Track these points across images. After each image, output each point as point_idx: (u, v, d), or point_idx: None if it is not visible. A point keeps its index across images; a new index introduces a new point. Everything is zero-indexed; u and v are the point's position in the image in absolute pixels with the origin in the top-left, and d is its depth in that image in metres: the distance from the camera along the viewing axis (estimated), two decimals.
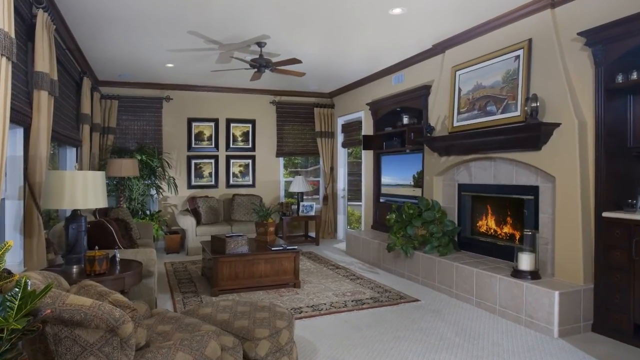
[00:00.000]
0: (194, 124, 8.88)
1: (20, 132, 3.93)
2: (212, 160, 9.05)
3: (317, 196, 10.12)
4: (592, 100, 4.10)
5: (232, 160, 9.19)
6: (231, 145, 9.17)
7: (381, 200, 7.84)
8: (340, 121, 9.57)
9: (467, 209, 5.74)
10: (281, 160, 9.65)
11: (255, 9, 4.74)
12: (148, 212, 8.05)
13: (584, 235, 4.11)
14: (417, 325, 4.20)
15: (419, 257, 5.70)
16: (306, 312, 4.56)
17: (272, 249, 5.42)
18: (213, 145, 9.03)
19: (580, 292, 4.00)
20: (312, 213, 8.80)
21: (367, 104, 8.06)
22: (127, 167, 7.06)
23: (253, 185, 9.35)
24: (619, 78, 3.86)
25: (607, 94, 3.91)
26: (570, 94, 4.22)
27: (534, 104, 4.31)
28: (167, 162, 8.48)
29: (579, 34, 4.05)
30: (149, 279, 4.31)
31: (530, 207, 4.76)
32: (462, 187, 5.77)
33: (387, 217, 6.06)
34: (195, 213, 8.07)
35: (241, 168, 9.27)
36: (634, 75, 3.78)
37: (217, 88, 8.94)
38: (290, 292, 5.30)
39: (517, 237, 4.99)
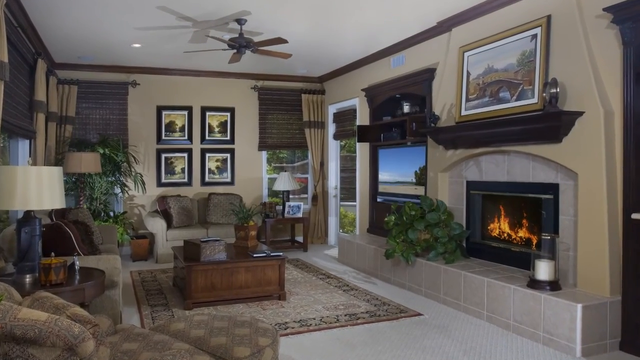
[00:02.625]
0: (164, 112, 8.82)
1: None
2: (185, 154, 9.00)
3: (305, 195, 10.12)
4: (619, 85, 4.11)
5: (207, 154, 9.15)
6: (207, 137, 9.13)
7: (378, 199, 7.85)
8: (332, 109, 9.57)
9: (477, 209, 5.75)
10: (264, 154, 9.63)
11: None
12: (112, 214, 7.99)
13: (610, 240, 4.13)
14: (420, 343, 4.19)
15: (421, 265, 5.71)
16: (293, 327, 4.55)
17: (254, 255, 5.41)
18: (186, 137, 8.98)
19: (606, 305, 4.02)
20: (300, 215, 8.80)
21: (363, 90, 8.06)
22: (87, 162, 7.01)
23: (232, 183, 9.32)
24: None
25: (638, 78, 3.91)
26: (594, 79, 4.23)
27: (553, 90, 4.32)
28: (133, 156, 8.40)
29: (604, 9, 4.06)
30: (112, 290, 4.30)
31: (549, 208, 4.78)
32: (471, 185, 5.78)
33: (386, 219, 6.07)
34: (165, 215, 8.02)
35: (218, 163, 9.24)
36: None
37: (190, 72, 8.88)
38: (274, 305, 5.28)
39: (534, 242, 5.01)
